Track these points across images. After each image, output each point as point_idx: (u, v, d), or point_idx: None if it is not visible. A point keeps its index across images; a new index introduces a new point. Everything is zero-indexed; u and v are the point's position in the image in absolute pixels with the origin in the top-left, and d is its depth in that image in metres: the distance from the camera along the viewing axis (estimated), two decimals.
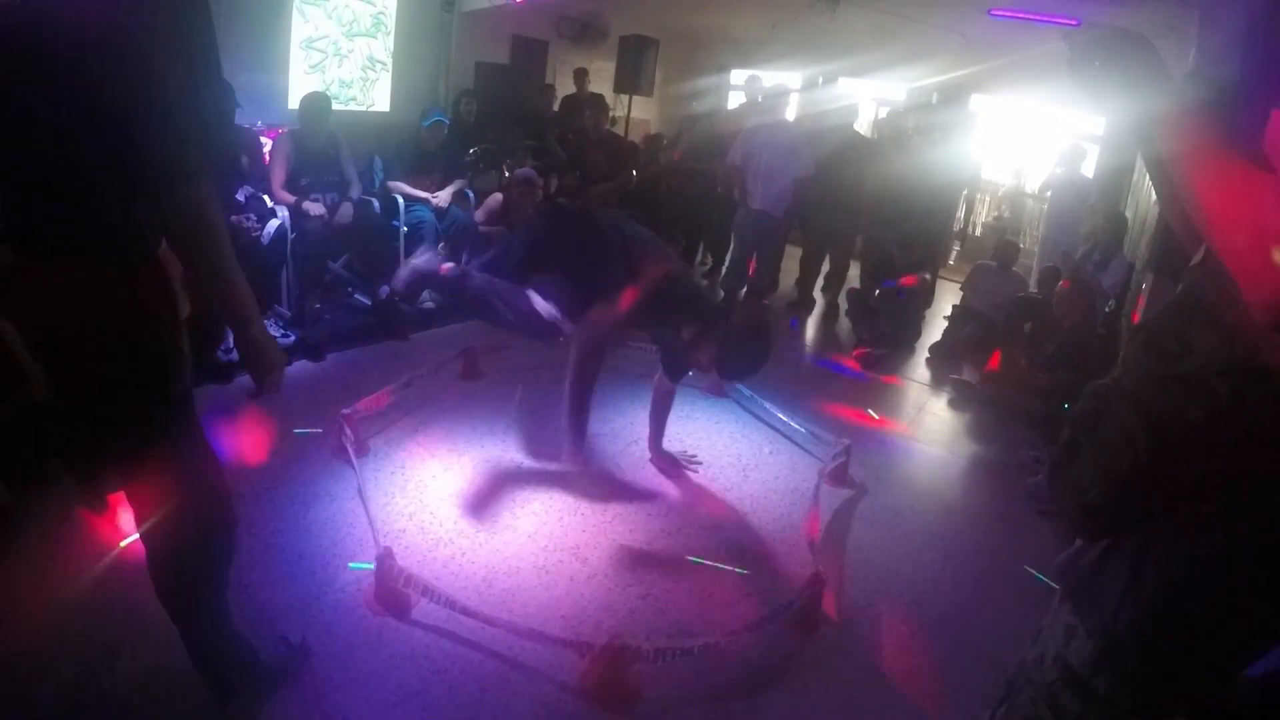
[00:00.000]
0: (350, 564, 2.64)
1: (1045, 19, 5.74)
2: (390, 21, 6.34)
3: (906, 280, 5.86)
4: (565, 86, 7.91)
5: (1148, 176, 5.41)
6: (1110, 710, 1.15)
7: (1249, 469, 0.99)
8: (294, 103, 4.95)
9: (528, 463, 3.51)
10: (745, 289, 6.49)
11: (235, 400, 3.74)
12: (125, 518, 2.45)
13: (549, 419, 3.69)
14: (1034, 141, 9.36)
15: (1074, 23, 5.23)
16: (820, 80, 8.38)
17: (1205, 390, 0.97)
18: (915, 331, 6.16)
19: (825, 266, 6.87)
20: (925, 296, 6.39)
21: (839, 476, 3.67)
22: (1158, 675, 1.11)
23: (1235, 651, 1.12)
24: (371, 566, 2.54)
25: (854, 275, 6.90)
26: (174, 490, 1.69)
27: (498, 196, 5.77)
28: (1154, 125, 1.01)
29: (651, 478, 3.49)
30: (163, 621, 1.84)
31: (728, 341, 2.92)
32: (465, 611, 2.37)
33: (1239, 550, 1.01)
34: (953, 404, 5.04)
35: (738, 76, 10.08)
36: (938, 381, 5.40)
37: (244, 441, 3.38)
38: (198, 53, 1.67)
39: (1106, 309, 5.64)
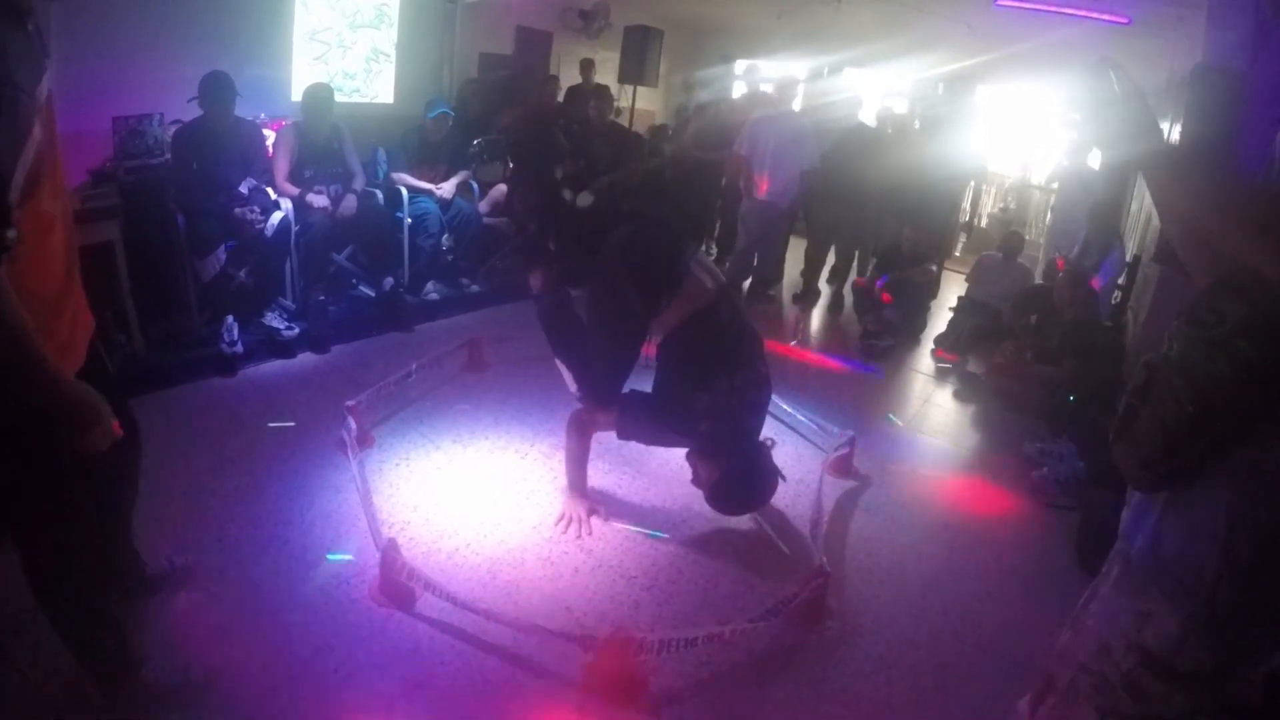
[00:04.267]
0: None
1: (1051, 9, 5.69)
2: (394, 13, 6.31)
3: (885, 298, 5.85)
4: (570, 77, 7.87)
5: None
6: (1195, 685, 1.25)
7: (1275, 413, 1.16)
8: (297, 94, 4.94)
9: (532, 454, 3.52)
10: (751, 279, 6.48)
11: (239, 393, 3.75)
12: None
13: (554, 411, 3.69)
14: (1040, 133, 9.31)
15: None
16: (826, 71, 8.34)
17: (1232, 349, 1.15)
18: (921, 323, 6.14)
19: (830, 258, 6.85)
20: (931, 288, 6.37)
21: (843, 468, 3.67)
22: (1249, 632, 1.23)
23: None
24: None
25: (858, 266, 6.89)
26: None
27: (502, 188, 5.76)
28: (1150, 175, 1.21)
29: (655, 469, 3.49)
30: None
31: (729, 477, 2.92)
32: (468, 606, 2.38)
33: None
34: (958, 395, 5.02)
35: (741, 67, 10.05)
36: (942, 373, 5.38)
37: (247, 435, 3.38)
38: None
39: (1113, 301, 5.61)
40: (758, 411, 3.07)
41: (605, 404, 2.96)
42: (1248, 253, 1.15)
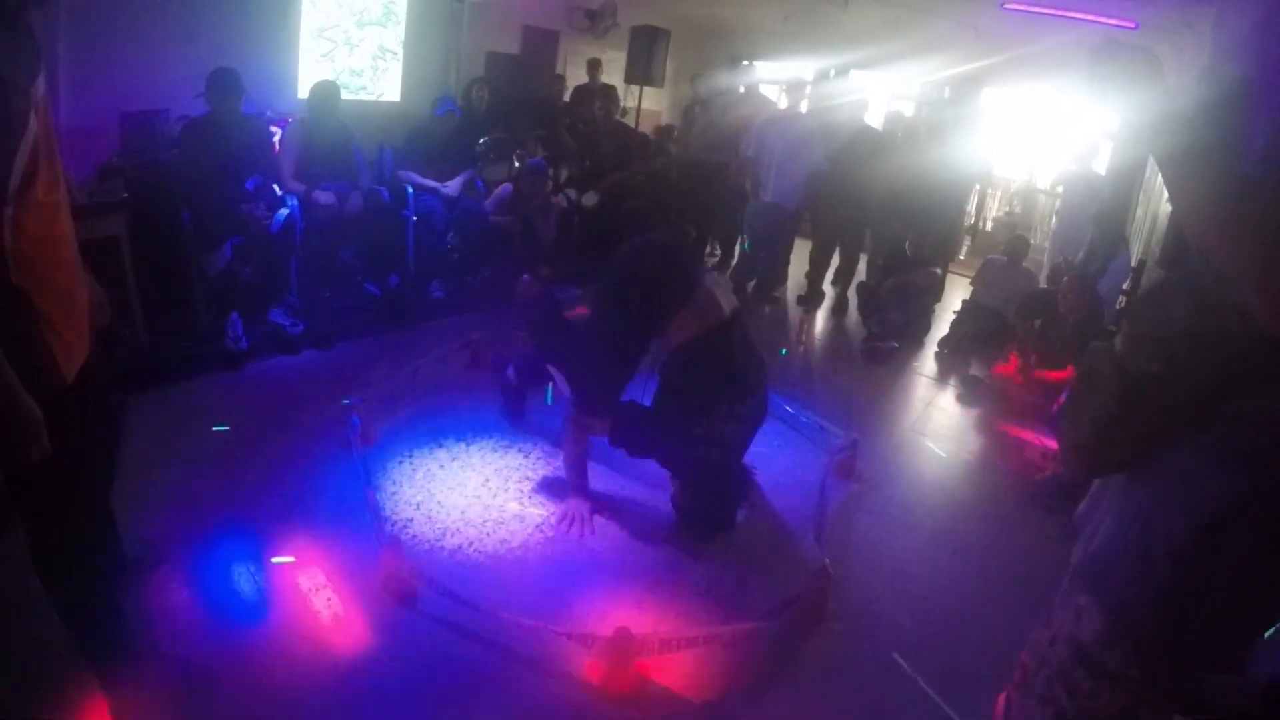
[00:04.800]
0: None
1: (1058, 13, 5.68)
2: (401, 11, 6.32)
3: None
4: (576, 77, 7.88)
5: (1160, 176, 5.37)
6: (1121, 685, 1.21)
7: (1208, 426, 1.13)
8: (304, 92, 4.95)
9: (535, 453, 3.52)
10: (755, 281, 6.48)
11: (243, 389, 3.76)
12: None
13: (557, 410, 3.69)
14: (1046, 136, 9.29)
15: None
16: (832, 73, 8.33)
17: (1167, 349, 1.14)
18: (925, 325, 6.13)
19: (835, 260, 6.85)
20: (936, 291, 6.36)
21: (846, 470, 3.67)
22: (1168, 647, 1.18)
23: (1243, 623, 1.20)
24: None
25: (863, 268, 6.88)
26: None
27: (508, 187, 5.77)
28: (1162, 139, 1.13)
29: (656, 469, 3.49)
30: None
31: (700, 512, 2.97)
32: (470, 604, 2.38)
33: (1239, 521, 1.09)
34: (961, 399, 5.02)
35: (749, 68, 10.03)
36: (946, 376, 5.37)
37: (250, 430, 3.38)
38: None
39: (1118, 306, 5.60)
40: (749, 440, 3.10)
41: (600, 414, 2.97)
42: (1215, 250, 1.12)
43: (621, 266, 2.88)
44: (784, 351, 4.73)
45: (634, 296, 2.80)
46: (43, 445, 1.50)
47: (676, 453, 2.97)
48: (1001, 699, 1.51)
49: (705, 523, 3.04)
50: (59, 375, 1.54)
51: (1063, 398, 1.39)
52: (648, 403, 3.09)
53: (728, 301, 2.94)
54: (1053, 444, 4.12)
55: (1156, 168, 6.12)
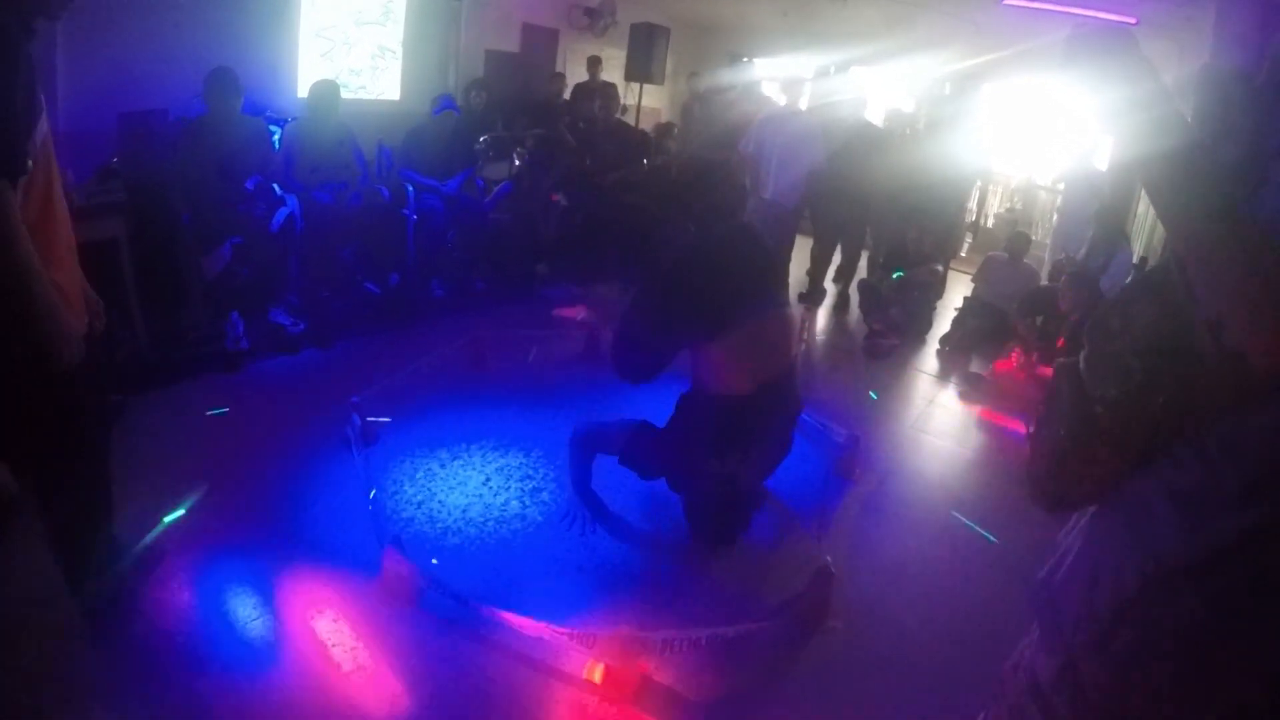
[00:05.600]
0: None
1: (1059, 9, 5.67)
2: (399, 10, 6.31)
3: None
4: (575, 75, 7.87)
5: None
6: None
7: (1161, 459, 0.98)
8: (303, 91, 4.94)
9: (536, 452, 3.51)
10: None
11: (243, 389, 3.75)
12: None
13: (558, 408, 3.69)
14: (1047, 132, 9.28)
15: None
16: (832, 70, 8.33)
17: (1123, 370, 1.00)
18: (927, 323, 6.12)
19: (836, 257, 6.84)
20: (937, 288, 6.35)
21: (848, 468, 3.66)
22: (1114, 707, 1.01)
23: (1194, 684, 0.97)
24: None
25: (863, 266, 6.87)
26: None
27: (507, 185, 5.76)
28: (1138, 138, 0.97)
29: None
30: None
31: (696, 514, 2.94)
32: (471, 604, 2.38)
33: (1191, 569, 0.93)
34: (963, 396, 5.01)
35: (748, 65, 10.02)
36: (947, 373, 5.37)
37: (251, 431, 3.38)
38: None
39: None
40: (765, 477, 3.04)
41: (625, 379, 2.72)
42: (1197, 273, 0.95)
43: (672, 265, 2.60)
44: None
45: (672, 304, 2.54)
46: (76, 347, 1.67)
47: (684, 483, 2.92)
48: None
49: (712, 539, 3.02)
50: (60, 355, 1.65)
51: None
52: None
53: (781, 357, 2.73)
54: None
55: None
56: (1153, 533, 0.97)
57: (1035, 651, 1.14)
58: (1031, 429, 1.20)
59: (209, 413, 3.34)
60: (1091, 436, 1.04)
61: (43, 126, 1.60)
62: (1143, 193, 6.63)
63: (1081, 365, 1.08)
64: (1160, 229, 5.49)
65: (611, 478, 3.11)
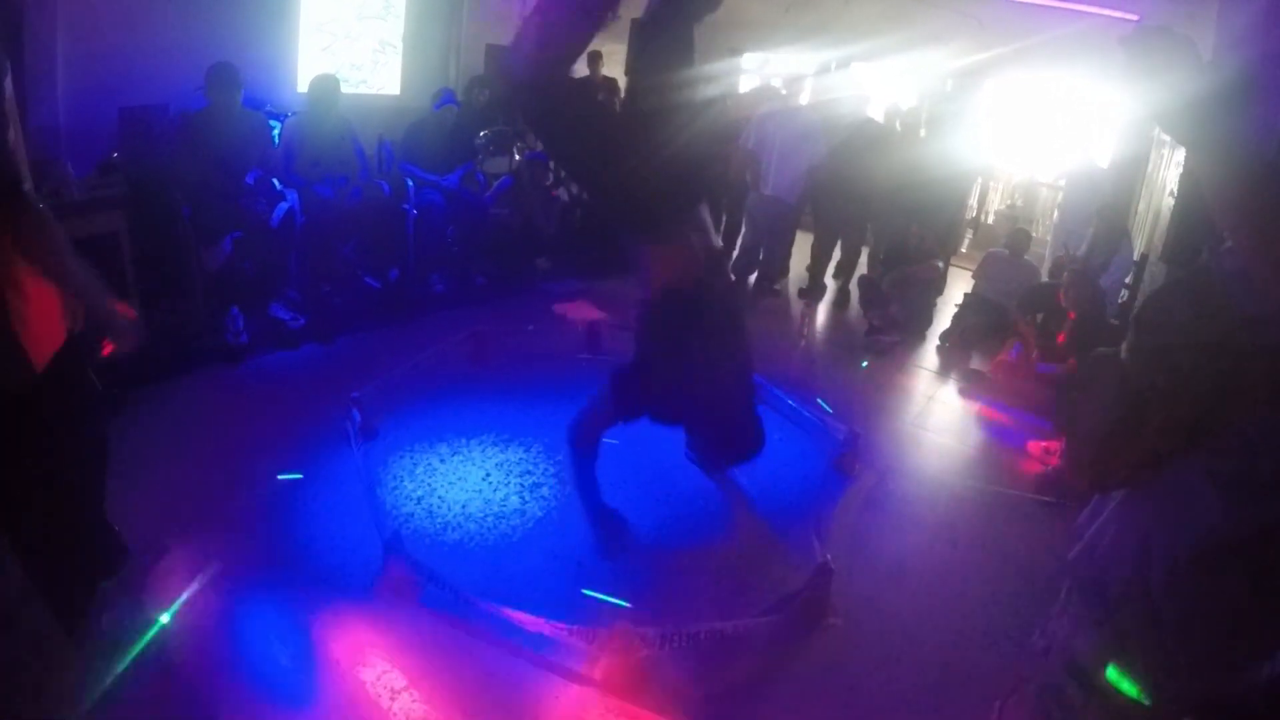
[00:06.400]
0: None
1: (1060, 4, 5.67)
2: (400, 4, 6.30)
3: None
4: (576, 70, 7.86)
5: (1166, 167, 5.34)
6: (1112, 703, 1.16)
7: (1208, 444, 1.06)
8: (304, 86, 4.94)
9: (536, 447, 3.51)
10: (756, 274, 6.47)
11: (244, 383, 3.75)
12: None
13: (558, 404, 3.69)
14: (1048, 129, 9.26)
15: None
16: (834, 66, 8.31)
17: (1171, 361, 1.08)
18: (927, 319, 6.11)
19: (836, 253, 6.83)
20: (937, 284, 6.35)
21: (848, 465, 3.66)
22: (1160, 668, 1.12)
23: (1240, 648, 1.11)
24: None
25: (864, 262, 6.87)
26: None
27: (508, 179, 5.75)
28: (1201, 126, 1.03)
29: (661, 465, 3.49)
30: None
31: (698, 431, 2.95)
32: (471, 598, 2.38)
33: (1238, 552, 1.04)
34: (963, 392, 5.01)
35: (749, 61, 10.01)
36: (947, 370, 5.37)
37: (251, 425, 3.38)
38: None
39: (1120, 299, 5.59)
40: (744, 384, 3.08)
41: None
42: (1248, 250, 1.02)
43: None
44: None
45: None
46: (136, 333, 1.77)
47: (675, 395, 2.92)
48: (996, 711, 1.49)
49: (722, 455, 3.04)
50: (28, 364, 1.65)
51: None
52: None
53: (710, 253, 2.86)
54: (1052, 442, 4.12)
55: (1159, 161, 6.10)
56: (1199, 513, 1.06)
57: (1072, 631, 1.22)
58: (1065, 418, 1.28)
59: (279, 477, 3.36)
60: (1140, 422, 1.11)
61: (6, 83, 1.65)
62: (1143, 190, 6.63)
63: (1125, 356, 1.17)
64: (1161, 226, 5.50)
65: (617, 471, 3.12)
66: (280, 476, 2.88)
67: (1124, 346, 1.19)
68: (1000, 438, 4.41)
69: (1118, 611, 1.15)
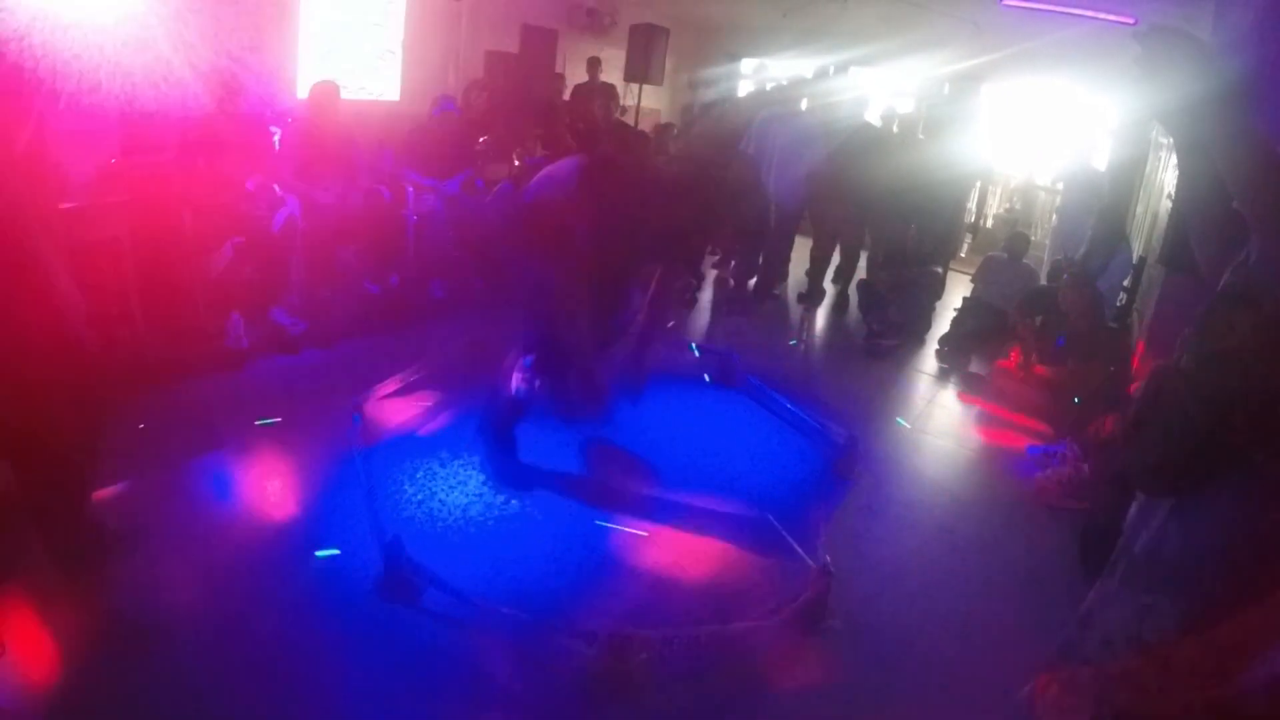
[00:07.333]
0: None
1: (1058, 10, 5.69)
2: (400, 10, 6.32)
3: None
4: (575, 75, 7.87)
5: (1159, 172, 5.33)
6: (1190, 683, 1.20)
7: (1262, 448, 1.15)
8: (304, 91, 4.95)
9: (538, 450, 3.52)
10: (756, 279, 6.48)
11: (244, 389, 3.76)
12: None
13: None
14: (1046, 132, 9.28)
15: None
16: (832, 70, 8.34)
17: (1241, 365, 1.16)
18: (926, 323, 6.12)
19: (835, 258, 6.84)
20: (936, 288, 6.36)
21: (847, 468, 3.67)
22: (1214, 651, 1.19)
23: None
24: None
25: (863, 266, 6.88)
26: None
27: (507, 185, 5.76)
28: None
29: (661, 467, 3.50)
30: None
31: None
32: (472, 602, 2.39)
33: None
34: (962, 396, 5.02)
35: (748, 65, 10.04)
36: (947, 374, 5.37)
37: (251, 430, 3.39)
38: None
39: (1118, 303, 5.60)
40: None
41: None
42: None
43: None
44: (794, 342, 4.75)
45: None
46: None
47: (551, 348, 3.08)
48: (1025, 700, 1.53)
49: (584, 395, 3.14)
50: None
51: (1107, 421, 1.44)
52: None
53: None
54: (1051, 444, 4.13)
55: (1156, 164, 6.10)
56: (1267, 508, 1.16)
57: (1138, 623, 1.30)
58: (1130, 432, 1.37)
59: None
60: (1221, 422, 1.18)
61: None
62: (1141, 193, 6.64)
63: (1189, 364, 1.25)
64: (1159, 228, 5.50)
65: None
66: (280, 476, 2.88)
67: (1184, 360, 1.27)
68: (1000, 440, 4.42)
69: (1197, 597, 1.23)
